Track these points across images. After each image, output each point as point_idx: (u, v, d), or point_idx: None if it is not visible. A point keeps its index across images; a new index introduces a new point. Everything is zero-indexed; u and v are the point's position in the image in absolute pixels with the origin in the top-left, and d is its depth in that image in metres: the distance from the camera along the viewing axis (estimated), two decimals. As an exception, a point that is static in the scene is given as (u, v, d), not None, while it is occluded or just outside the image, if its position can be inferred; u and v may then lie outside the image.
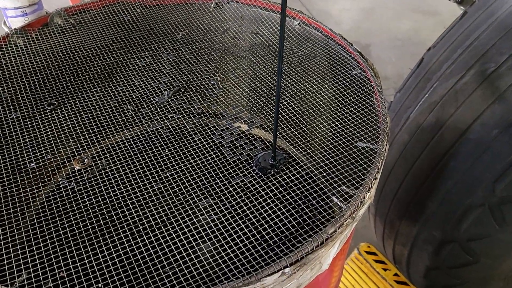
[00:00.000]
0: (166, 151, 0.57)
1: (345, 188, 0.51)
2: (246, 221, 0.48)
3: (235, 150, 0.57)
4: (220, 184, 0.52)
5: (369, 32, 2.23)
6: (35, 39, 0.72)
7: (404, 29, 2.26)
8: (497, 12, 0.84)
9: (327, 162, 0.54)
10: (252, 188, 0.52)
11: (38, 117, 0.60)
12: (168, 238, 0.46)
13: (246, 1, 0.81)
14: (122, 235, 0.46)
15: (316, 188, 0.51)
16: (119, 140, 0.58)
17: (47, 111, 0.61)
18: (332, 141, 0.57)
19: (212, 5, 0.82)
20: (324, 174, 0.52)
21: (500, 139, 0.79)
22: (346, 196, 0.50)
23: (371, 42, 2.18)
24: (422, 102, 0.93)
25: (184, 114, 0.62)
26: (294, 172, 0.53)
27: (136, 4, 0.81)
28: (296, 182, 0.52)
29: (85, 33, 0.75)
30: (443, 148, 0.86)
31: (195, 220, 0.48)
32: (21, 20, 0.73)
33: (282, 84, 0.66)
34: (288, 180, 0.52)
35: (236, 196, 0.51)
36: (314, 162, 0.54)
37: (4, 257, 0.44)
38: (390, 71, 2.03)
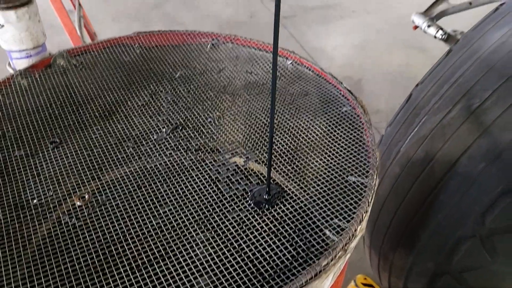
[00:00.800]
0: (165, 186, 0.59)
1: (337, 221, 0.53)
2: (242, 254, 0.50)
3: (231, 185, 0.59)
4: (217, 218, 0.54)
5: (361, 67, 2.30)
6: (38, 79, 0.75)
7: (395, 64, 2.33)
8: (479, 50, 0.89)
9: (319, 196, 0.56)
10: (247, 222, 0.53)
11: (41, 155, 0.63)
12: (166, 272, 0.47)
13: (241, 42, 0.85)
14: (121, 269, 0.48)
15: (309, 222, 0.53)
16: (118, 176, 0.60)
17: (50, 149, 0.64)
18: (324, 175, 0.59)
19: (209, 46, 0.86)
20: (317, 207, 0.55)
21: (487, 172, 0.81)
22: (338, 229, 0.52)
23: (364, 76, 2.24)
24: (411, 136, 0.96)
25: (182, 151, 0.64)
26: (288, 206, 0.55)
27: (136, 46, 0.85)
28: (290, 216, 0.54)
29: (86, 74, 0.78)
30: (433, 181, 0.89)
31: (192, 254, 0.49)
32: (25, 62, 0.76)
33: (275, 121, 0.69)
34: (282, 214, 0.54)
35: (232, 230, 0.52)
36: (307, 196, 0.56)
37: (6, 292, 0.45)
38: (383, 104, 2.08)
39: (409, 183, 0.94)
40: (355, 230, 0.51)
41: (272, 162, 0.62)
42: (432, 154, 0.90)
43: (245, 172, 0.61)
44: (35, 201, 0.56)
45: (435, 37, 1.10)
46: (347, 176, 0.59)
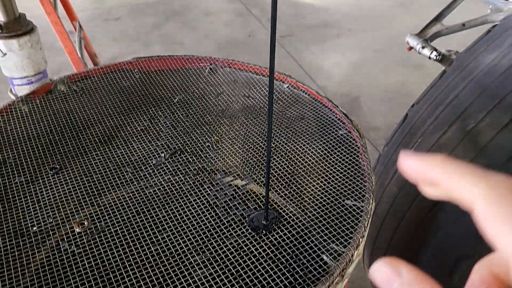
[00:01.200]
0: (163, 212, 0.59)
1: (334, 246, 0.53)
2: (240, 281, 0.50)
3: (229, 210, 0.59)
4: (215, 244, 0.55)
5: (359, 85, 2.32)
6: (39, 105, 0.77)
7: (392, 81, 2.35)
8: (473, 72, 0.90)
9: (316, 220, 0.57)
10: (245, 248, 0.54)
11: (41, 181, 0.63)
12: (164, 299, 0.48)
13: (239, 66, 0.86)
14: (120, 297, 0.48)
15: (307, 247, 0.54)
16: (117, 202, 0.61)
17: (50, 175, 0.64)
18: (321, 199, 0.60)
19: (207, 70, 0.87)
20: (314, 232, 0.55)
21: (484, 191, 0.82)
22: (335, 254, 0.52)
23: (361, 94, 2.26)
24: (408, 156, 0.97)
25: (180, 175, 0.65)
26: (286, 231, 0.56)
27: (136, 71, 0.86)
28: (288, 241, 0.55)
29: (86, 99, 0.79)
30: (431, 201, 0.89)
31: (190, 281, 0.50)
32: (26, 88, 0.78)
33: (272, 145, 0.70)
34: (279, 239, 0.55)
35: (230, 256, 0.53)
36: (304, 221, 0.57)
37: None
38: (380, 121, 2.10)
39: (408, 203, 0.94)
40: (352, 255, 0.51)
41: (269, 186, 0.63)
42: (429, 174, 0.90)
43: (243, 197, 0.61)
44: (34, 228, 0.56)
45: (429, 57, 1.12)
46: (343, 200, 0.59)
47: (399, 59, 2.49)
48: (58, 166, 0.66)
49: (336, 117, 0.74)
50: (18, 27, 0.72)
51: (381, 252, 1.02)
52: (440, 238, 0.89)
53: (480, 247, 0.82)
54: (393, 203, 0.98)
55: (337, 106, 0.75)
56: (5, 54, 0.72)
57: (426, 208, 0.90)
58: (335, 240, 0.54)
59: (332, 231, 0.55)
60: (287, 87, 0.82)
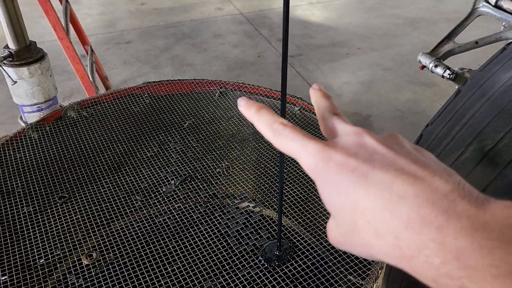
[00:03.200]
0: (173, 242, 0.57)
1: (352, 278, 0.51)
2: (254, 316, 0.48)
3: (241, 240, 0.57)
4: (227, 276, 0.53)
5: (369, 104, 2.30)
6: (49, 132, 0.76)
7: (403, 100, 2.33)
8: (489, 91, 0.88)
9: (332, 250, 0.54)
10: (258, 281, 0.52)
11: (49, 211, 0.62)
12: (175, 337, 0.46)
13: (249, 89, 0.85)
14: (129, 335, 0.46)
15: (323, 279, 0.51)
16: (127, 232, 0.59)
17: (58, 204, 0.63)
18: (337, 228, 0.58)
19: (217, 94, 0.86)
20: (330, 263, 0.53)
21: (506, 215, 0.79)
22: (353, 287, 0.50)
23: (372, 113, 2.24)
24: (424, 178, 0.94)
25: (191, 203, 0.63)
26: (300, 262, 0.54)
27: (145, 95, 0.86)
28: (302, 273, 0.52)
29: (96, 125, 0.79)
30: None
31: (202, 317, 0.48)
32: (36, 115, 0.78)
33: (285, 171, 0.68)
34: (294, 271, 0.53)
35: (243, 289, 0.51)
36: (319, 251, 0.55)
37: None
38: (393, 141, 2.06)
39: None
40: (371, 288, 0.49)
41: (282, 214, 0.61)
42: (447, 197, 0.88)
43: (255, 225, 0.59)
44: (42, 260, 0.55)
45: (442, 76, 1.10)
46: (360, 228, 0.57)
47: (410, 77, 2.47)
48: (67, 195, 0.65)
49: (350, 141, 0.72)
50: (29, 55, 0.72)
51: (398, 280, 0.98)
52: None
53: None
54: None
55: (351, 129, 0.73)
56: (16, 82, 0.72)
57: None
58: (353, 272, 0.51)
59: (349, 261, 0.52)
60: (298, 109, 0.81)
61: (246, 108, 0.33)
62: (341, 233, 0.28)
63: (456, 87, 1.07)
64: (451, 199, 0.23)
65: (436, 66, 1.11)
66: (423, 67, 1.15)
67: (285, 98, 0.44)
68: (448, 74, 1.09)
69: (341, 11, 3.39)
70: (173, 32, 3.04)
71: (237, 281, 0.52)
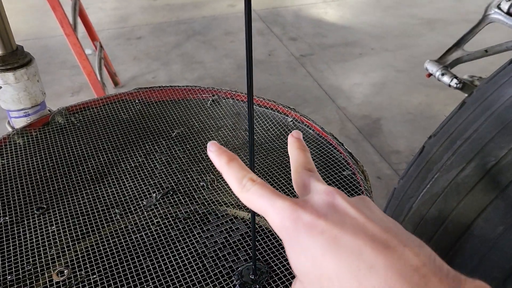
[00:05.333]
0: (147, 261, 0.56)
1: (327, 308, 0.48)
2: None
3: (217, 261, 0.55)
4: (198, 301, 0.51)
5: (380, 106, 2.25)
6: (35, 138, 0.75)
7: (415, 103, 2.28)
8: (494, 105, 0.84)
9: (310, 277, 0.52)
10: (230, 307, 0.49)
11: (25, 222, 0.61)
12: None
13: (242, 97, 0.83)
14: None
15: (297, 308, 0.49)
16: (101, 247, 0.57)
17: (36, 215, 0.62)
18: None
19: (209, 102, 0.84)
20: (307, 291, 0.50)
21: (507, 236, 0.75)
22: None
23: (382, 116, 2.19)
24: (424, 193, 0.91)
25: (170, 219, 0.61)
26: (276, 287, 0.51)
27: (136, 101, 0.84)
28: (277, 300, 0.50)
29: (83, 132, 0.77)
30: (448, 243, 0.83)
31: None
32: (23, 120, 0.76)
33: (271, 186, 0.66)
34: (268, 298, 0.50)
35: (213, 316, 0.49)
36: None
37: None
38: (402, 145, 2.02)
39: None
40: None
41: (258, 236, 0.58)
42: (446, 213, 0.84)
43: (233, 246, 0.57)
44: (10, 276, 0.53)
45: (449, 85, 1.06)
46: (342, 253, 0.54)
47: (423, 80, 2.41)
48: (45, 206, 0.63)
49: (341, 157, 0.69)
50: (15, 60, 0.71)
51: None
52: (470, 271, 0.82)
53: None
54: (407, 243, 0.91)
55: (342, 144, 0.70)
56: (1, 87, 0.71)
57: (442, 251, 0.83)
58: (329, 302, 0.48)
59: (326, 291, 0.50)
60: (291, 121, 0.78)
61: (217, 156, 0.32)
62: None
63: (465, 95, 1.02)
64: (422, 273, 0.22)
65: (443, 74, 1.07)
66: (430, 75, 1.11)
67: (253, 126, 0.42)
68: (455, 83, 1.05)
69: (356, 10, 3.33)
70: (184, 28, 3.03)
71: (208, 307, 0.50)
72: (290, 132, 0.76)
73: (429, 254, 0.24)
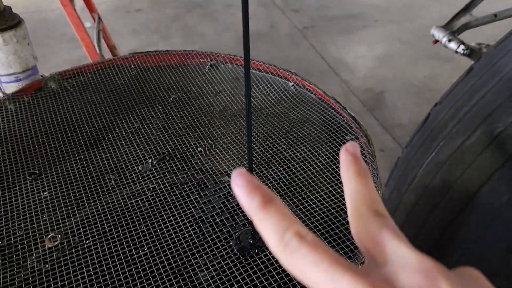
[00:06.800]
0: (143, 226, 0.54)
1: (328, 273, 0.46)
2: (217, 312, 0.44)
3: (215, 226, 0.53)
4: (195, 266, 0.49)
5: (384, 79, 2.21)
6: (27, 104, 0.72)
7: (420, 76, 2.23)
8: (503, 70, 0.81)
9: (311, 242, 0.50)
10: (228, 272, 0.48)
11: (17, 187, 0.59)
12: (130, 331, 0.42)
13: (241, 62, 0.80)
14: (82, 326, 0.43)
15: (297, 273, 0.47)
16: (95, 213, 0.56)
17: (28, 181, 0.60)
18: (319, 217, 0.53)
19: (207, 67, 0.81)
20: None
21: (512, 205, 0.73)
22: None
23: (386, 89, 2.16)
24: (428, 162, 0.88)
25: (167, 185, 0.59)
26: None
27: (131, 67, 0.81)
28: (278, 264, 0.48)
29: (77, 97, 0.75)
30: (451, 213, 0.81)
31: (162, 310, 0.44)
32: (14, 86, 0.74)
33: (270, 151, 0.64)
34: (267, 263, 0.49)
35: (211, 281, 0.47)
36: (297, 242, 0.50)
37: None
38: (406, 118, 1.99)
39: (425, 214, 0.86)
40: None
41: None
42: (450, 183, 0.82)
43: (231, 211, 0.55)
44: (1, 242, 0.52)
45: (456, 52, 1.02)
46: (345, 218, 0.52)
47: (428, 52, 2.36)
48: (37, 172, 0.61)
49: (344, 121, 0.67)
50: (2, 21, 0.68)
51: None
52: (460, 255, 0.81)
53: (505, 268, 0.72)
54: (410, 213, 0.90)
55: (345, 108, 0.68)
56: (-11, 50, 0.68)
57: (445, 221, 0.82)
58: (330, 267, 0.47)
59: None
60: (292, 85, 0.75)
61: (246, 195, 0.21)
62: None
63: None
64: None
65: (449, 40, 1.03)
66: (436, 41, 1.07)
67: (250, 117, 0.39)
68: (462, 49, 1.01)
69: (360, -19, 3.23)
70: (184, 1, 2.96)
71: (206, 271, 0.48)
72: (291, 96, 0.74)
73: None
